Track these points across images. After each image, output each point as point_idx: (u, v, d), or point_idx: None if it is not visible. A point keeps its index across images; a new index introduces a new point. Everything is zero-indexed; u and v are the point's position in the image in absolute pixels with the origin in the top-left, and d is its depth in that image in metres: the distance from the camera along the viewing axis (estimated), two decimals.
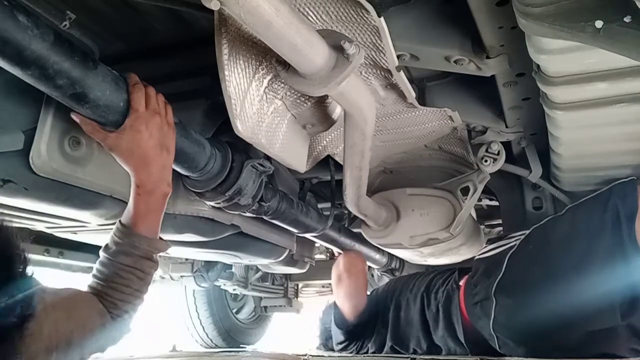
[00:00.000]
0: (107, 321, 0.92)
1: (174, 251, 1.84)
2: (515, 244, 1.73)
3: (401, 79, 1.24)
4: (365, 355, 2.06)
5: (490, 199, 2.41)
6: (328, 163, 1.84)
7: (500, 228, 2.69)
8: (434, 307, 1.98)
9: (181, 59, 1.43)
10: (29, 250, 0.78)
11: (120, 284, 0.95)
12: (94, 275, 0.97)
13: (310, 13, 1.03)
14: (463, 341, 1.85)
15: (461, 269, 2.04)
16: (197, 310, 3.13)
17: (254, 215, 1.53)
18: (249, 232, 1.73)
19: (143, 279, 0.99)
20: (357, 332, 2.20)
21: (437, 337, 1.96)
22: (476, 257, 1.91)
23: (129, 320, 0.99)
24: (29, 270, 0.77)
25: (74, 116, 0.98)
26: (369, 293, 2.39)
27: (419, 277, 2.19)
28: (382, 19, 1.00)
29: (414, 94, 1.36)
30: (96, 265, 0.98)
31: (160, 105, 1.05)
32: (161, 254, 1.05)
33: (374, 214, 1.87)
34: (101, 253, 0.99)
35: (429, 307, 1.99)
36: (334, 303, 2.29)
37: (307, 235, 1.97)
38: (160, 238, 1.05)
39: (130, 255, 0.97)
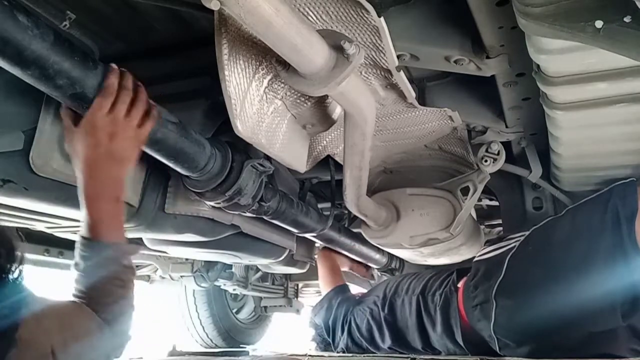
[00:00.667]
0: (102, 326, 0.89)
1: (174, 251, 1.84)
2: (515, 246, 1.73)
3: (401, 79, 1.24)
4: (365, 355, 2.06)
5: (490, 199, 2.40)
6: (328, 163, 1.84)
7: (500, 228, 2.69)
8: (432, 309, 1.98)
9: (181, 59, 1.43)
10: (22, 250, 0.76)
11: (101, 296, 0.91)
12: (74, 295, 0.93)
13: (310, 13, 1.03)
14: (462, 343, 1.85)
15: (459, 270, 2.04)
16: (197, 310, 3.14)
17: (254, 215, 1.53)
18: (249, 232, 1.73)
19: (123, 286, 0.95)
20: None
21: (435, 339, 1.96)
22: (475, 259, 1.91)
23: (126, 326, 0.95)
24: (20, 272, 0.75)
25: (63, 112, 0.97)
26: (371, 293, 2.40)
27: (414, 278, 2.20)
28: (382, 19, 1.00)
29: (414, 94, 1.36)
30: (73, 284, 0.94)
31: (133, 114, 0.98)
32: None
33: (374, 214, 1.87)
34: (73, 271, 0.94)
35: (427, 310, 2.00)
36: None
37: (307, 235, 1.97)
38: (135, 242, 1.00)
39: (100, 266, 0.92)
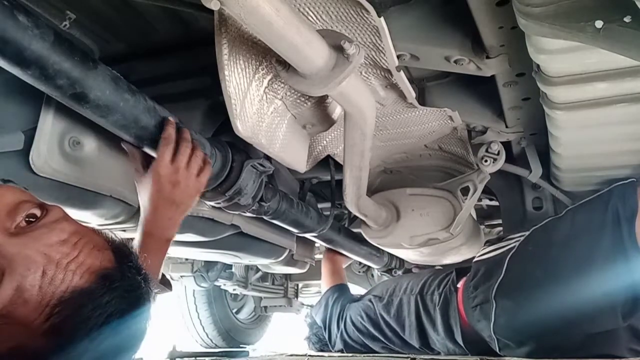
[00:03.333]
0: None
1: (174, 251, 1.84)
2: (514, 246, 1.73)
3: (401, 79, 1.24)
4: (365, 355, 2.06)
5: (490, 199, 2.40)
6: (328, 163, 1.84)
7: (500, 228, 2.69)
8: (431, 309, 1.98)
9: (181, 59, 1.43)
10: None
11: None
12: None
13: (310, 13, 1.03)
14: (462, 343, 1.86)
15: (458, 270, 2.04)
16: (197, 310, 3.14)
17: (254, 215, 1.53)
18: (249, 232, 1.73)
19: None
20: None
21: (435, 339, 1.96)
22: (475, 259, 1.91)
23: None
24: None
25: (124, 145, 1.10)
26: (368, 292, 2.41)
27: (412, 278, 2.20)
28: (382, 19, 1.00)
29: (414, 94, 1.36)
30: None
31: (193, 164, 1.10)
32: None
33: (374, 214, 1.87)
34: None
35: (426, 309, 2.00)
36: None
37: (307, 235, 1.97)
38: (165, 280, 1.11)
39: None
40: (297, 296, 3.72)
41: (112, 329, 0.67)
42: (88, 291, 0.66)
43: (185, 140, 1.09)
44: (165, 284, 1.20)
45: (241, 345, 3.38)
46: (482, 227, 2.57)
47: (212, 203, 1.38)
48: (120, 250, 0.74)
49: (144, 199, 1.10)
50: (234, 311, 3.49)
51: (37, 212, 0.69)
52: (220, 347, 3.20)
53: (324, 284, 2.75)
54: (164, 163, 1.06)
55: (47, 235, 0.66)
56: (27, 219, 0.68)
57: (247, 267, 3.09)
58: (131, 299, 0.71)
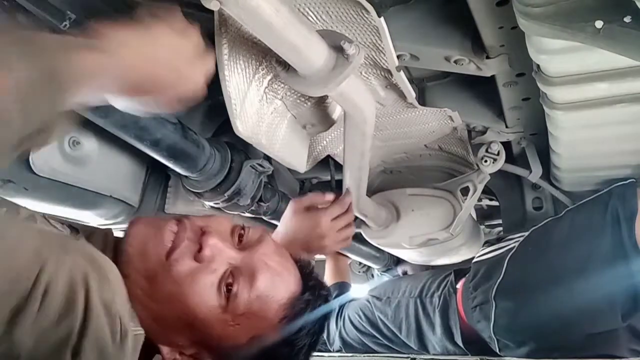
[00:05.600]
0: None
1: None
2: (514, 246, 1.73)
3: (401, 79, 1.24)
4: (365, 355, 2.06)
5: (490, 199, 2.40)
6: (328, 163, 1.84)
7: (500, 228, 2.69)
8: (431, 312, 1.98)
9: None
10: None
11: None
12: None
13: (310, 13, 1.03)
14: (461, 344, 1.86)
15: (457, 271, 2.04)
16: None
17: (253, 216, 1.53)
18: None
19: None
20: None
21: (434, 342, 1.96)
22: (474, 260, 1.91)
23: None
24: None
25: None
26: (367, 292, 2.41)
27: (411, 279, 2.20)
28: (382, 19, 1.00)
29: (414, 94, 1.36)
30: None
31: (345, 233, 1.35)
32: None
33: (374, 214, 1.87)
34: None
35: (425, 313, 2.00)
36: None
37: None
38: None
39: None
40: None
41: (317, 320, 0.87)
42: (302, 296, 0.85)
43: (350, 211, 1.34)
44: None
45: None
46: (482, 227, 2.56)
47: (211, 203, 1.38)
48: (294, 258, 0.93)
49: (285, 228, 1.27)
50: None
51: (243, 232, 0.87)
52: None
53: (326, 282, 2.76)
54: (328, 217, 1.28)
55: (262, 248, 0.84)
56: (239, 238, 0.86)
57: None
58: (323, 298, 0.90)
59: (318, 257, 2.87)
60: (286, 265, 0.87)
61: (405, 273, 2.96)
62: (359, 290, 2.95)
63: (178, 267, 0.76)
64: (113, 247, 0.82)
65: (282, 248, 0.91)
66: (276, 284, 0.83)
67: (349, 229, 1.35)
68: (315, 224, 1.26)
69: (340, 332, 2.28)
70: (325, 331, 2.36)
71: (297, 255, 0.95)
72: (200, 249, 0.79)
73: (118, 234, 0.94)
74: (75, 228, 0.87)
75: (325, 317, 0.91)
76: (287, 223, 1.29)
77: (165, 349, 0.79)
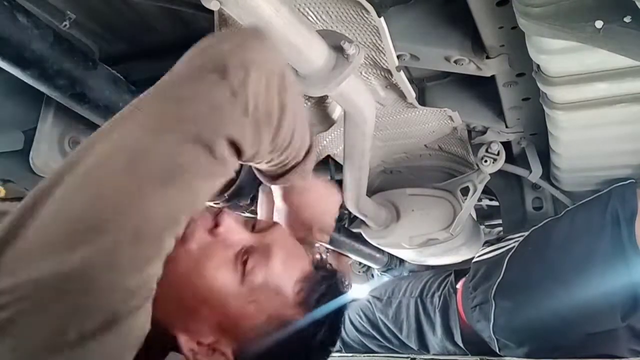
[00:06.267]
0: None
1: None
2: (514, 246, 1.73)
3: (401, 79, 1.24)
4: (365, 355, 2.07)
5: (490, 199, 2.40)
6: (328, 163, 1.84)
7: (500, 228, 2.69)
8: (431, 312, 1.98)
9: None
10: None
11: None
12: None
13: (310, 13, 1.03)
14: (461, 344, 1.86)
15: (457, 271, 2.04)
16: None
17: (253, 216, 1.53)
18: None
19: None
20: None
21: (435, 342, 1.96)
22: (474, 260, 1.91)
23: None
24: None
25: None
26: (368, 292, 2.40)
27: (411, 279, 2.20)
28: (382, 19, 1.00)
29: (414, 94, 1.36)
30: None
31: None
32: None
33: (374, 214, 1.87)
34: None
35: (426, 313, 2.00)
36: None
37: None
38: None
39: None
40: None
41: (334, 309, 0.86)
42: (317, 273, 0.86)
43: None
44: None
45: None
46: (482, 227, 2.56)
47: (210, 203, 1.38)
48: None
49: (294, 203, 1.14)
50: None
51: (255, 223, 0.88)
52: None
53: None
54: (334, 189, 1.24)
55: (274, 232, 0.85)
56: (252, 227, 0.86)
57: None
58: (339, 278, 0.90)
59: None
60: (298, 245, 0.88)
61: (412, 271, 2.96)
62: (359, 290, 2.95)
63: (193, 242, 0.76)
64: None
65: (292, 236, 0.91)
66: (291, 262, 0.83)
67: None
68: (330, 192, 1.17)
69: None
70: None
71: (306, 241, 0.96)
72: (216, 226, 0.80)
73: None
74: None
75: (341, 308, 0.90)
76: (287, 200, 1.13)
77: (182, 338, 0.77)
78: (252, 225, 0.87)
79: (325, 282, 0.86)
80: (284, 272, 0.82)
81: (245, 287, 0.78)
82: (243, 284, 0.77)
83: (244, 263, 0.78)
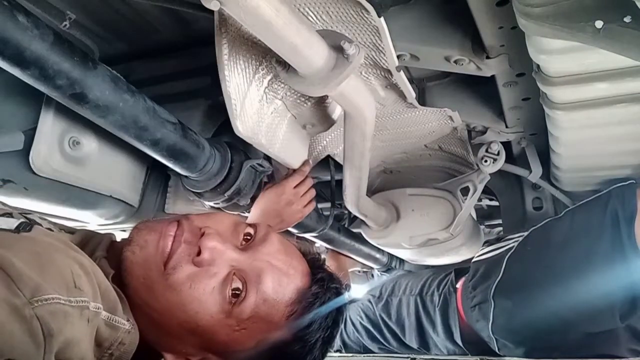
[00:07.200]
0: None
1: None
2: (513, 246, 1.73)
3: (401, 79, 1.24)
4: (366, 355, 2.07)
5: (490, 199, 2.40)
6: (328, 163, 1.84)
7: (500, 228, 2.69)
8: (431, 310, 1.98)
9: (181, 59, 1.43)
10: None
11: None
12: None
13: (310, 13, 1.03)
14: (461, 343, 1.86)
15: (457, 270, 2.04)
16: None
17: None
18: None
19: None
20: None
21: (436, 340, 1.96)
22: (474, 259, 1.91)
23: None
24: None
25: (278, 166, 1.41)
26: (368, 292, 2.40)
27: (411, 278, 2.20)
28: (382, 19, 1.00)
29: (414, 94, 1.36)
30: None
31: (306, 196, 1.44)
32: None
33: (374, 214, 1.87)
34: None
35: (426, 311, 2.00)
36: None
37: (307, 235, 1.97)
38: None
39: None
40: None
41: (329, 314, 0.84)
42: (310, 290, 0.82)
43: (309, 179, 1.43)
44: None
45: None
46: (482, 227, 2.57)
47: (211, 203, 1.38)
48: (304, 251, 0.92)
49: (257, 206, 1.34)
50: None
51: (251, 231, 0.84)
52: None
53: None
54: (290, 185, 1.37)
55: (266, 247, 0.81)
56: (245, 237, 0.83)
57: None
58: (334, 291, 0.87)
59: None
60: (292, 262, 0.84)
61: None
62: (359, 290, 2.95)
63: (176, 275, 0.73)
64: (117, 254, 0.78)
65: (288, 243, 0.88)
66: (283, 285, 0.80)
67: (311, 191, 1.46)
68: (280, 192, 1.36)
69: (340, 334, 2.28)
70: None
71: (306, 249, 0.92)
72: (199, 253, 0.76)
73: (121, 236, 0.94)
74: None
75: (340, 310, 0.88)
76: (258, 202, 1.36)
77: (169, 356, 0.77)
78: (246, 235, 0.83)
79: (318, 300, 0.83)
80: (275, 299, 0.78)
81: (233, 318, 0.76)
82: (231, 315, 0.75)
83: (235, 293, 0.76)
